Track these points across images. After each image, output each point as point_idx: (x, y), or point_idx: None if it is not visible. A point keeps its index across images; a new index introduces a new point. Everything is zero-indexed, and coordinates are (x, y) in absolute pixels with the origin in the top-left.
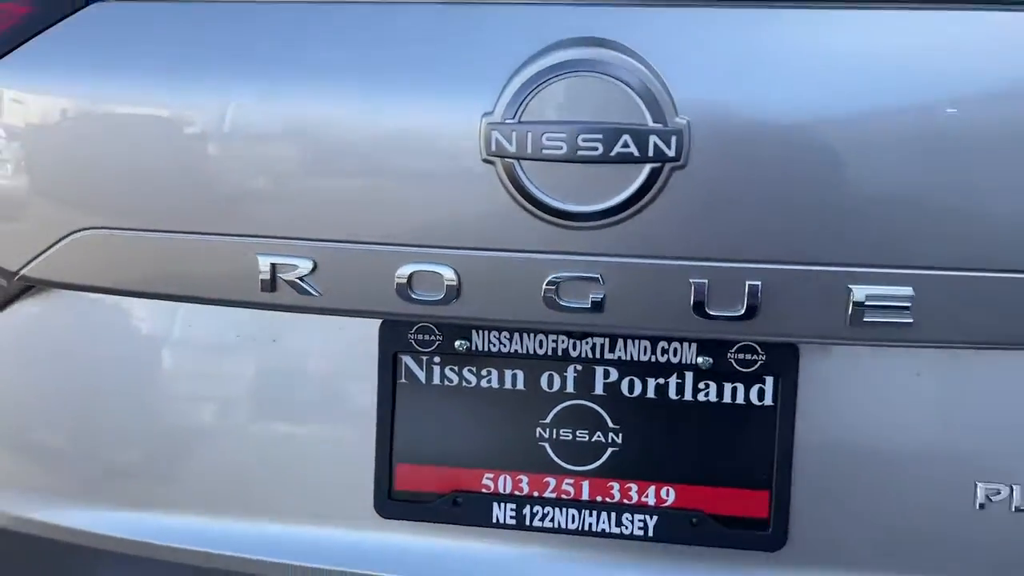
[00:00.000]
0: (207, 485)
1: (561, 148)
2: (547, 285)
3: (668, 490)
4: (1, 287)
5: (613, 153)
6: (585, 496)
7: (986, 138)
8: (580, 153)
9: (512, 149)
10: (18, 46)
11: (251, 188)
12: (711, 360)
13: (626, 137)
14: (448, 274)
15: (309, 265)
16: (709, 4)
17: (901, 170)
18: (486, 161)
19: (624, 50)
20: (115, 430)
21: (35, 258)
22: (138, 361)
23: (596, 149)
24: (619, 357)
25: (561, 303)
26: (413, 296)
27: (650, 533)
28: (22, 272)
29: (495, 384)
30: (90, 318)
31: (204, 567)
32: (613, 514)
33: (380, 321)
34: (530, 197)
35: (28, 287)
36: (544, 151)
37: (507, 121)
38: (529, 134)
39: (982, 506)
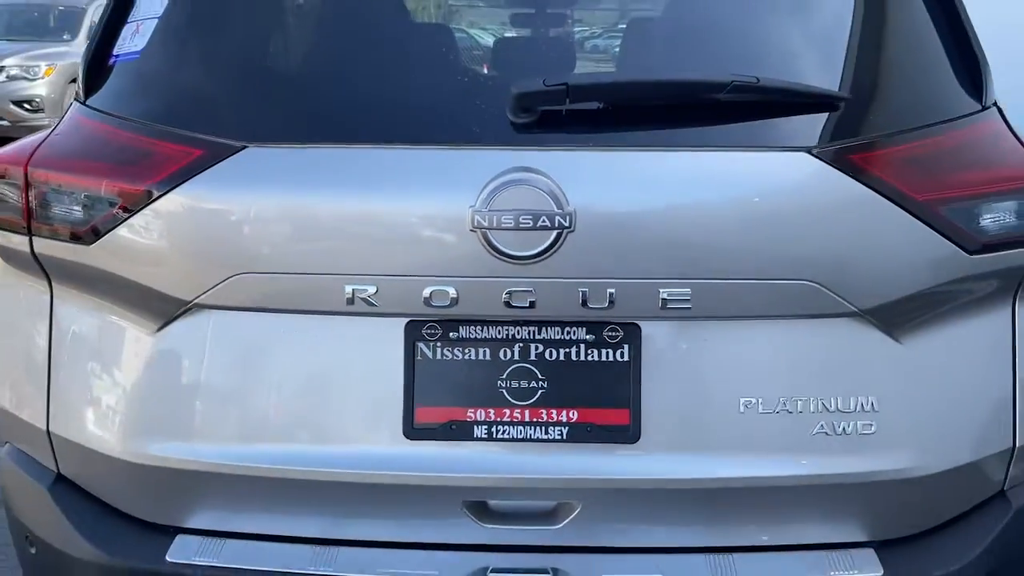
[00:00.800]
0: (306, 426)
1: (511, 223)
2: (504, 295)
3: (573, 412)
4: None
5: (537, 225)
6: (527, 419)
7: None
8: (520, 226)
9: (485, 224)
10: (196, 175)
11: (339, 249)
12: (593, 336)
13: (544, 217)
14: (451, 291)
15: (373, 289)
16: (584, 150)
17: (677, 237)
18: (472, 231)
19: (542, 173)
20: (240, 392)
21: (205, 292)
22: (261, 351)
23: (528, 224)
24: (543, 337)
25: (512, 305)
26: (431, 305)
27: (564, 437)
28: (194, 301)
29: (473, 357)
30: (229, 326)
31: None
32: (543, 427)
33: (407, 320)
34: (495, 249)
35: (188, 308)
36: (501, 225)
37: (482, 209)
38: (494, 216)
39: (743, 410)
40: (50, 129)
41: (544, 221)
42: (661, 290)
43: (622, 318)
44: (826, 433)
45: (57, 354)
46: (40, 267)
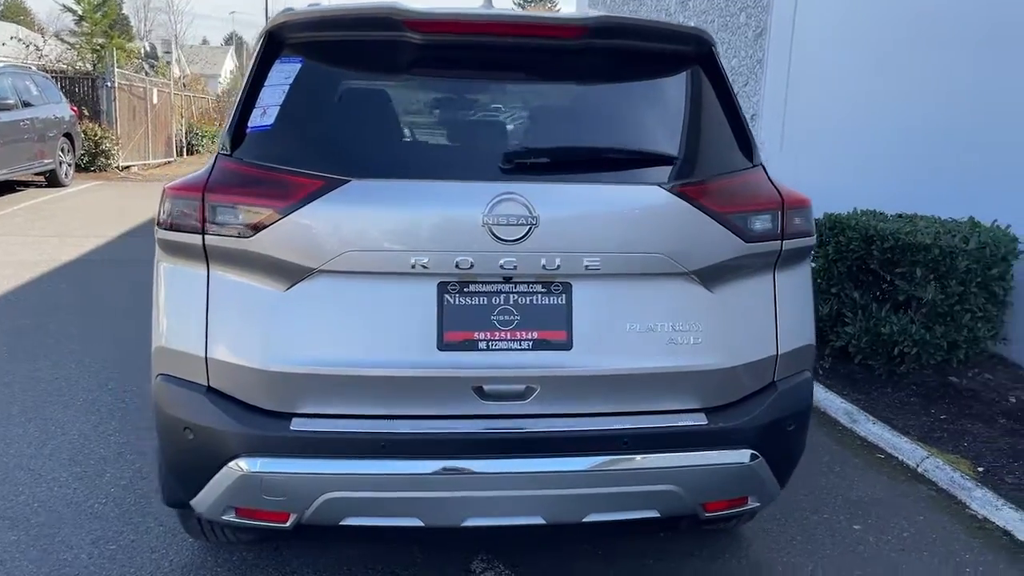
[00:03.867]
0: (378, 344)
1: (504, 222)
2: (500, 262)
3: (535, 332)
4: (297, 274)
5: (518, 223)
6: (508, 337)
7: (610, 223)
8: (508, 223)
9: (490, 223)
10: (322, 195)
11: (407, 236)
12: (546, 289)
13: (522, 218)
14: (470, 260)
15: (426, 259)
16: (540, 183)
17: (592, 231)
18: (482, 226)
19: (519, 195)
20: (339, 324)
21: (326, 262)
22: (353, 299)
23: (513, 222)
24: (517, 291)
25: (503, 270)
26: (458, 268)
27: (530, 347)
28: (318, 268)
29: (476, 302)
30: (336, 284)
31: (372, 377)
32: (517, 342)
33: (437, 281)
34: (495, 236)
35: (311, 274)
36: (498, 223)
37: (488, 214)
38: (494, 218)
39: (627, 330)
40: (205, 170)
41: (522, 220)
42: (584, 259)
43: (561, 277)
44: (674, 343)
45: (212, 308)
46: (204, 254)
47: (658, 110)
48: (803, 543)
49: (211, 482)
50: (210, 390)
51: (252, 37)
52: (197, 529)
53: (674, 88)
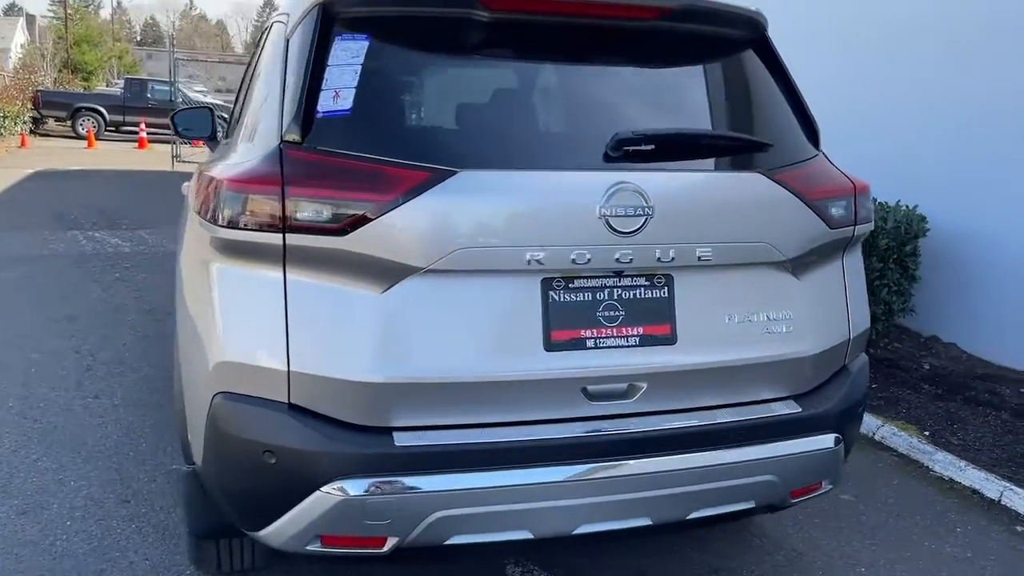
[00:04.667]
0: (484, 347)
1: (621, 212)
2: (614, 259)
3: (640, 328)
4: (397, 275)
5: (634, 214)
6: (614, 334)
7: (721, 212)
8: (626, 213)
9: (607, 214)
10: (429, 188)
11: (521, 230)
12: (648, 282)
13: (639, 208)
14: (588, 254)
15: (541, 254)
16: (653, 171)
17: (703, 220)
18: (598, 218)
19: (634, 184)
20: (442, 326)
21: (436, 261)
22: (458, 299)
23: (632, 213)
24: (620, 285)
25: (619, 264)
26: (573, 265)
27: (636, 344)
28: (427, 268)
29: (582, 298)
30: (440, 284)
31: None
32: (623, 338)
33: (541, 278)
34: (612, 228)
35: (414, 273)
36: (615, 214)
37: (604, 206)
38: (611, 209)
39: (727, 321)
40: (262, 160)
41: (638, 211)
42: (697, 250)
43: (664, 270)
44: (769, 332)
45: (293, 315)
46: (283, 255)
47: (739, 95)
48: (807, 520)
49: (295, 510)
50: (292, 407)
51: (45, 7)
52: (214, 562)
53: (749, 72)
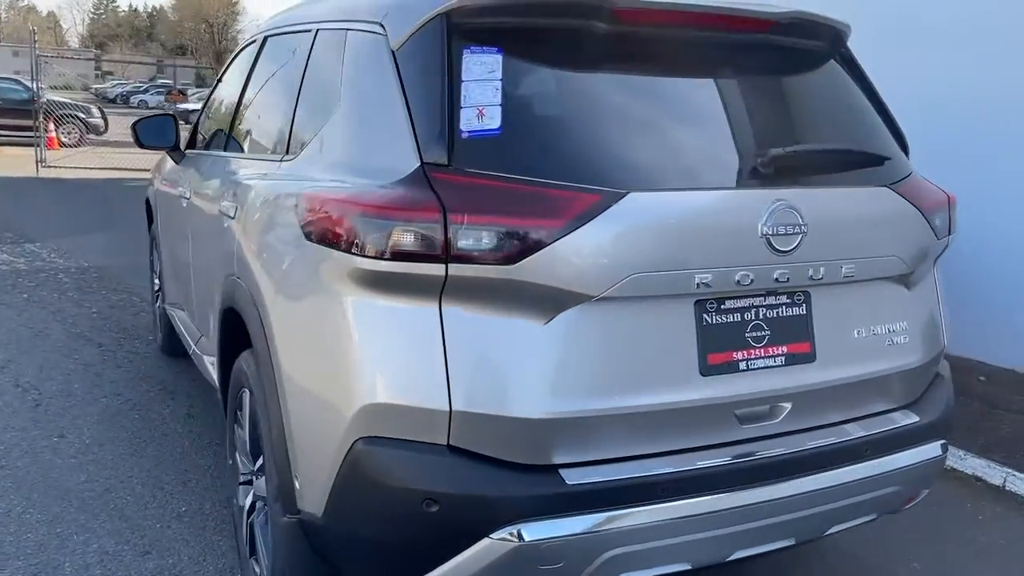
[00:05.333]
0: (645, 374)
1: (782, 232)
2: (773, 279)
3: (784, 347)
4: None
5: (793, 231)
6: (762, 355)
7: (862, 228)
8: (786, 232)
9: (768, 233)
10: (601, 212)
11: (692, 253)
12: (789, 300)
13: (796, 226)
14: (751, 274)
15: (709, 276)
16: (802, 188)
17: (847, 235)
18: (760, 237)
19: (790, 202)
20: (608, 356)
21: (609, 288)
22: (622, 326)
23: (790, 231)
24: (765, 304)
25: (777, 284)
26: (737, 287)
27: (782, 363)
28: (599, 295)
29: (731, 319)
30: (607, 311)
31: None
32: (770, 359)
33: (694, 300)
34: (772, 247)
35: (579, 303)
36: (776, 232)
37: (766, 225)
38: (773, 227)
39: (856, 336)
40: (401, 183)
41: (795, 229)
42: (843, 266)
43: (802, 287)
44: (891, 344)
45: (452, 350)
46: (441, 287)
47: (845, 107)
48: None
49: (457, 560)
50: (452, 449)
51: None
52: None
53: (852, 83)
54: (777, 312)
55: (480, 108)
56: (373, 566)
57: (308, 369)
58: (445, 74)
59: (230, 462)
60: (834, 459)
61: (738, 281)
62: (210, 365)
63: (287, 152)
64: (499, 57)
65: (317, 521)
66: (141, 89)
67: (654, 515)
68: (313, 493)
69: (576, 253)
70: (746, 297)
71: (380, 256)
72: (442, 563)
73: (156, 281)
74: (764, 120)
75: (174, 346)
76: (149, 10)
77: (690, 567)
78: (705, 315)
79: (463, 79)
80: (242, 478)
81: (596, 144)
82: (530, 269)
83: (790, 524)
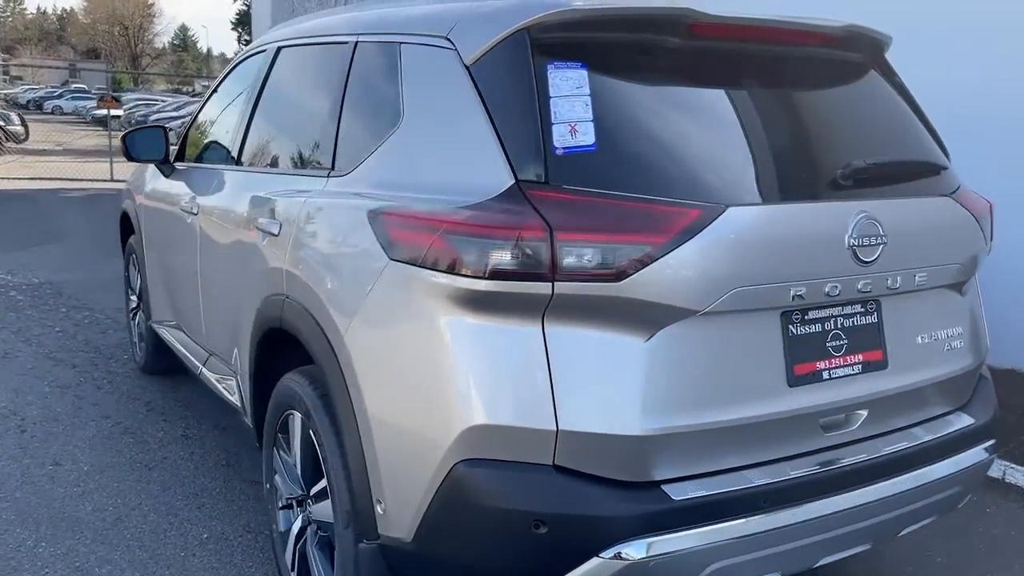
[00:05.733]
0: (745, 388)
1: (866, 243)
2: (857, 289)
3: (859, 356)
4: (667, 319)
5: (875, 243)
6: (842, 363)
7: (932, 236)
8: (870, 243)
9: (855, 244)
10: (704, 228)
11: (790, 266)
12: (864, 309)
13: (877, 237)
14: (839, 285)
15: (804, 289)
16: (878, 200)
17: (919, 244)
18: (846, 248)
19: (872, 213)
20: (708, 370)
21: (713, 303)
22: (721, 339)
23: (872, 242)
24: (842, 313)
25: (860, 294)
26: (825, 298)
27: (859, 371)
28: (704, 310)
29: (814, 329)
30: (709, 325)
31: (737, 426)
32: (849, 367)
33: (781, 311)
34: (858, 258)
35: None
36: (861, 244)
37: (852, 236)
38: (857, 239)
39: (920, 342)
40: (494, 201)
41: (877, 240)
42: (916, 275)
43: (874, 296)
44: (949, 348)
45: (556, 369)
46: (545, 306)
47: (900, 118)
48: None
49: None
50: (558, 469)
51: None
52: None
53: (896, 94)
54: (852, 321)
55: (572, 124)
56: None
57: (396, 391)
58: (534, 90)
59: (267, 486)
60: (907, 463)
61: (827, 292)
62: (223, 386)
63: (333, 168)
64: (584, 72)
65: (405, 546)
66: (55, 94)
67: (754, 526)
68: (401, 518)
69: (681, 269)
70: (828, 307)
71: (482, 275)
72: None
73: (133, 298)
74: (835, 132)
75: (158, 365)
76: (59, 12)
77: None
78: (791, 326)
79: (551, 95)
80: (283, 502)
81: (689, 159)
82: (636, 286)
83: (871, 528)
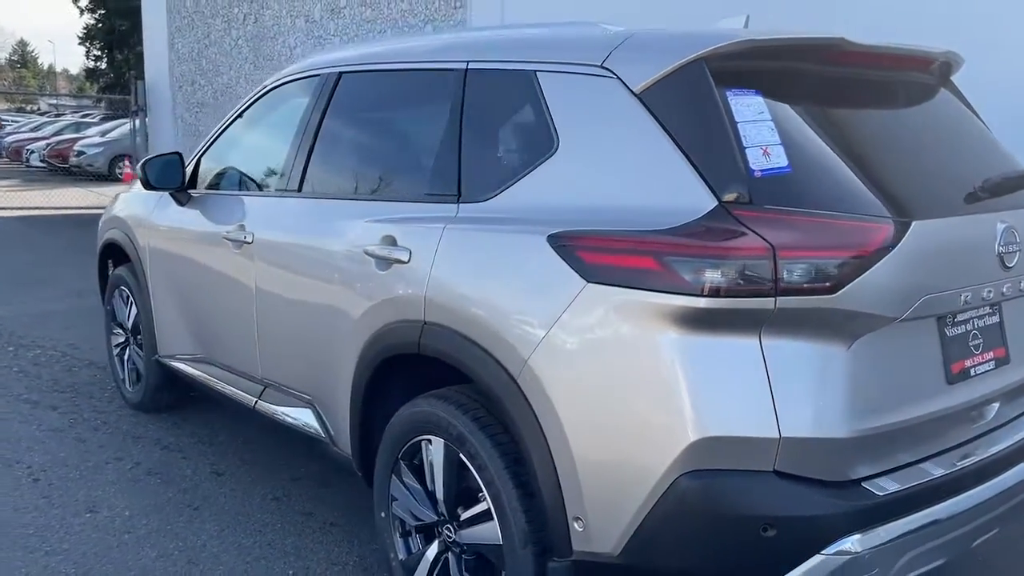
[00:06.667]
0: (922, 388)
1: (1011, 251)
2: (1001, 293)
3: (991, 353)
4: (866, 328)
5: (1016, 249)
6: (979, 361)
7: None
8: (1012, 250)
9: (1002, 251)
10: (899, 240)
11: (960, 273)
12: (991, 310)
13: (1015, 245)
14: (992, 290)
15: (969, 294)
16: (1011, 211)
17: None
18: (996, 256)
19: (1012, 222)
20: (893, 374)
21: (908, 310)
22: (900, 349)
23: (1015, 249)
24: (979, 314)
25: (1003, 297)
26: (982, 300)
27: (992, 368)
28: (900, 318)
29: (960, 331)
30: (896, 332)
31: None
32: (985, 364)
33: (936, 315)
34: (1004, 264)
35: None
36: (1008, 251)
37: (1000, 244)
38: (1005, 247)
39: None
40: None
41: (1016, 247)
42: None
43: (1002, 299)
44: None
45: (776, 380)
46: (764, 320)
47: (983, 134)
48: None
49: None
50: (779, 475)
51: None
52: None
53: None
54: (984, 322)
55: (764, 147)
56: None
57: (602, 410)
58: (723, 115)
59: (382, 515)
60: None
61: (984, 297)
62: (291, 417)
63: (460, 195)
64: (760, 99)
65: (610, 560)
66: None
67: (937, 514)
68: (607, 533)
69: (884, 279)
70: (969, 310)
71: (703, 293)
72: None
73: (118, 333)
74: (963, 147)
75: (161, 402)
76: None
77: (944, 561)
78: (945, 329)
79: (737, 120)
80: (404, 529)
81: (868, 177)
82: (848, 297)
83: (1003, 515)
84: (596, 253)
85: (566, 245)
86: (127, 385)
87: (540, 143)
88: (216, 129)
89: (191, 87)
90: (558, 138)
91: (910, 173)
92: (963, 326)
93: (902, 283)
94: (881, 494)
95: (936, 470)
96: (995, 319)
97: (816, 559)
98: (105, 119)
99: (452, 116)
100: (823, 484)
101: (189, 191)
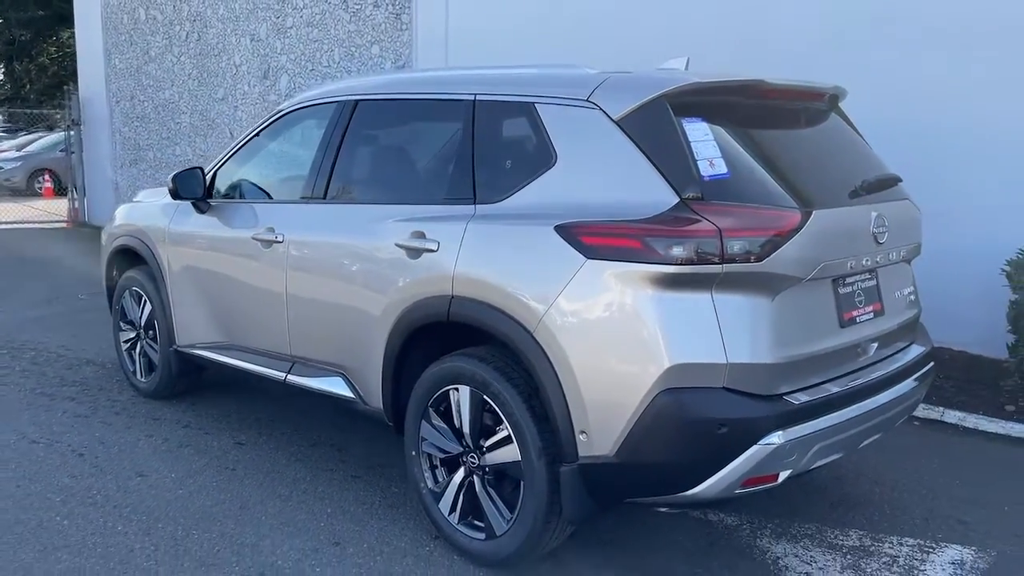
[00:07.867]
0: (816, 328)
1: (880, 231)
2: (875, 261)
3: (871, 307)
4: (784, 285)
5: (884, 229)
6: (863, 312)
7: None
8: (882, 230)
9: (876, 231)
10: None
11: (844, 246)
12: (870, 275)
13: (884, 226)
14: (867, 259)
15: (854, 262)
16: (881, 201)
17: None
18: (871, 235)
19: (880, 211)
20: (787, 317)
21: (812, 272)
22: (804, 301)
23: (883, 230)
24: (861, 278)
25: (877, 264)
26: (863, 265)
27: (872, 317)
28: (806, 278)
29: (848, 290)
30: (802, 290)
31: (815, 356)
32: (868, 315)
33: (831, 279)
34: (876, 240)
35: (793, 284)
36: (879, 231)
37: (874, 226)
38: (877, 228)
39: None
40: (663, 215)
41: (884, 229)
42: (902, 250)
43: (878, 266)
44: (909, 301)
45: (723, 323)
46: (714, 281)
47: (864, 147)
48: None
49: (734, 463)
50: (727, 390)
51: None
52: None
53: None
54: (865, 284)
55: (710, 159)
56: (671, 481)
57: (601, 350)
58: (681, 137)
59: (412, 453)
60: (899, 377)
61: (864, 263)
62: (322, 383)
63: (475, 198)
64: (705, 124)
65: (607, 460)
66: None
67: (836, 419)
68: (604, 440)
69: (794, 251)
70: (853, 275)
71: (672, 263)
72: (722, 468)
73: (127, 329)
74: (847, 155)
75: (175, 388)
76: None
77: (841, 455)
78: (838, 288)
79: (690, 140)
80: (431, 462)
81: (781, 179)
82: (771, 264)
83: (882, 422)
84: (593, 236)
85: (570, 231)
86: (139, 376)
87: (542, 157)
88: (230, 148)
89: (130, 102)
90: (556, 153)
91: (811, 175)
92: (851, 286)
93: (807, 254)
94: (797, 403)
95: (834, 388)
96: (872, 282)
97: (753, 448)
98: (6, 132)
99: (464, 136)
100: (757, 396)
101: (208, 201)
